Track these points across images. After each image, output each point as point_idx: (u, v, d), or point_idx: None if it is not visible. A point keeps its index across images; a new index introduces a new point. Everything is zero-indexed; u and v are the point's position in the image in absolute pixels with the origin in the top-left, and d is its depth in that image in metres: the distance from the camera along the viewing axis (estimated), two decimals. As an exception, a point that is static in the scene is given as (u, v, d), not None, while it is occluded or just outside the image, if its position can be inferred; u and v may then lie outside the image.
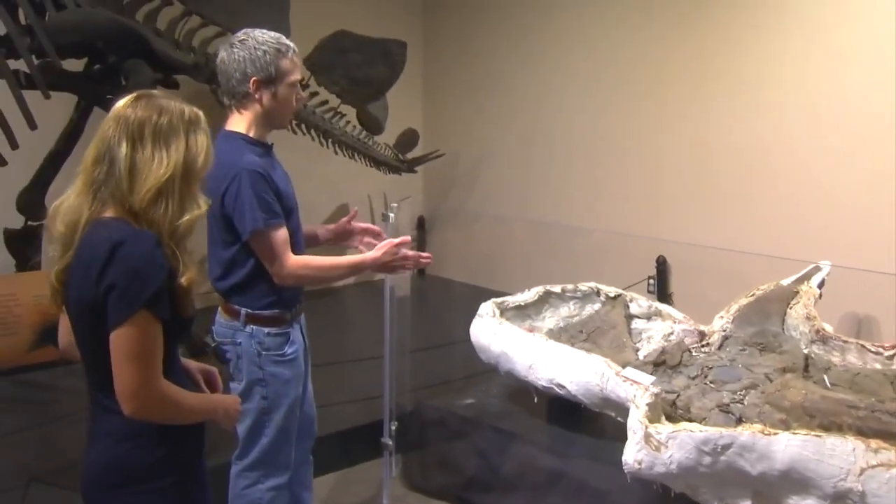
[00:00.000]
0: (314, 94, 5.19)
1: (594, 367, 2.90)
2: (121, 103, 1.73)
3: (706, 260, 5.13)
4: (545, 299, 3.73)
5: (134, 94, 1.75)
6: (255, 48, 2.40)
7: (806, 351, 3.07)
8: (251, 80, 2.41)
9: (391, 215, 2.93)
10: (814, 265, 3.64)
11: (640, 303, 3.65)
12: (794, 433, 2.27)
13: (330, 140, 5.45)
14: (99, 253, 1.63)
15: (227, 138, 2.47)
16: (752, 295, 3.40)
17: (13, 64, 3.82)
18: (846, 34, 4.47)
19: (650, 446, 2.42)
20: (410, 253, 2.59)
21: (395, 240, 2.57)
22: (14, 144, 3.80)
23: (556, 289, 3.76)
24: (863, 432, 2.33)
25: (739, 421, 2.56)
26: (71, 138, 4.38)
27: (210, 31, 4.69)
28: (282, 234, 2.42)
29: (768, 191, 4.89)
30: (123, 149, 1.67)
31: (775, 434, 2.28)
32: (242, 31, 2.47)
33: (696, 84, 5.21)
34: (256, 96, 2.44)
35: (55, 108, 4.21)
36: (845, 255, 4.23)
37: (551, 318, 3.71)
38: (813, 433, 2.26)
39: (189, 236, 1.75)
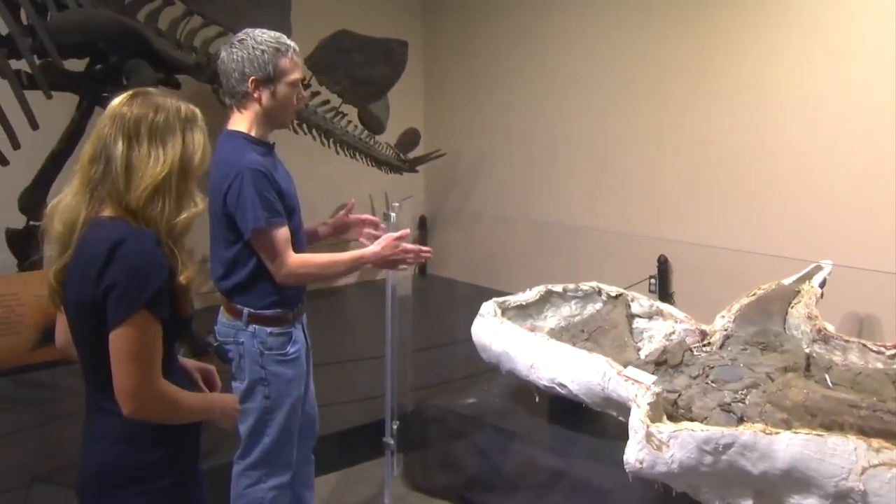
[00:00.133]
0: (315, 93, 5.19)
1: (596, 367, 2.90)
2: (117, 101, 1.72)
3: (707, 259, 5.12)
4: (546, 299, 3.73)
5: (130, 92, 1.74)
6: (253, 48, 2.41)
7: (807, 350, 3.07)
8: (249, 80, 2.42)
9: (392, 215, 2.93)
10: (815, 264, 3.64)
11: (642, 302, 3.65)
12: (795, 432, 2.27)
13: (331, 140, 5.45)
14: (98, 252, 1.62)
15: (230, 138, 2.48)
16: (754, 294, 3.39)
17: (15, 64, 3.83)
18: (846, 33, 4.47)
19: (652, 446, 2.42)
20: (410, 246, 2.56)
21: (394, 234, 2.56)
22: (16, 144, 3.81)
23: (558, 288, 3.76)
24: (864, 432, 2.33)
25: (741, 420, 2.56)
26: (73, 138, 4.39)
27: (211, 31, 4.69)
28: (283, 233, 2.42)
29: (769, 190, 4.89)
30: (120, 147, 1.66)
31: (777, 433, 2.27)
32: (243, 31, 2.48)
33: (697, 83, 5.21)
34: (255, 95, 2.44)
35: (57, 108, 4.21)
36: (847, 254, 4.23)
37: (553, 318, 3.71)
38: (814, 432, 2.25)
39: (186, 234, 1.75)
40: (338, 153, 5.59)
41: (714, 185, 5.19)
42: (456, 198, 7.16)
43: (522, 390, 3.46)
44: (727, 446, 2.32)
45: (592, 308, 3.72)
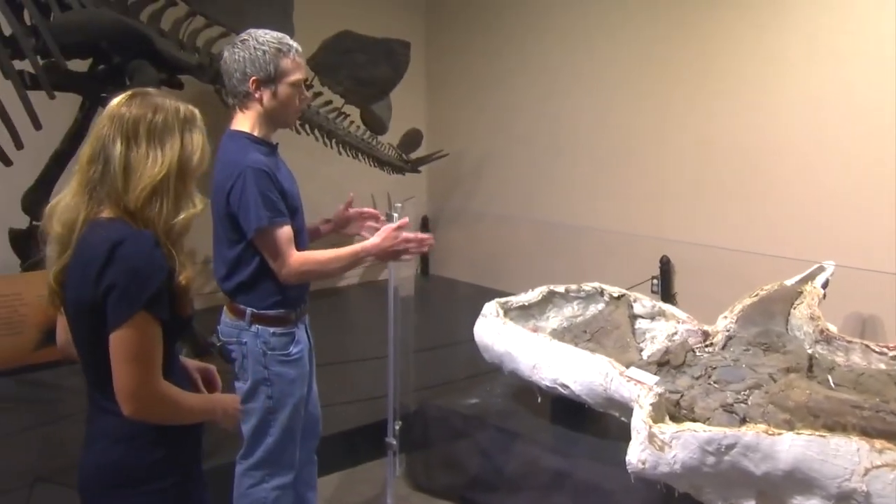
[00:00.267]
0: (318, 94, 5.20)
1: (598, 367, 2.90)
2: (115, 101, 1.72)
3: (710, 260, 5.12)
4: (549, 299, 3.73)
5: (129, 93, 1.74)
6: (255, 48, 2.42)
7: (810, 351, 3.07)
8: (250, 80, 2.42)
9: (395, 215, 2.93)
10: (818, 265, 3.63)
11: (644, 303, 3.64)
12: (798, 433, 2.26)
13: (334, 140, 5.45)
14: (98, 253, 1.62)
15: (233, 138, 2.48)
16: (756, 295, 3.39)
17: (18, 64, 3.83)
18: (850, 33, 4.46)
19: (654, 446, 2.42)
20: (411, 235, 2.54)
21: (393, 224, 2.55)
22: (19, 144, 3.82)
23: (560, 289, 3.76)
24: (867, 432, 2.33)
25: (743, 421, 2.56)
26: (76, 138, 4.39)
27: (214, 32, 4.70)
28: (286, 232, 2.42)
29: (772, 191, 4.88)
30: (118, 147, 1.65)
31: (779, 434, 2.27)
32: (246, 31, 2.48)
33: (700, 83, 5.21)
34: (256, 95, 2.45)
35: (60, 109, 4.22)
36: (849, 254, 4.23)
37: (555, 318, 3.71)
38: (817, 433, 2.25)
39: (185, 235, 1.74)
40: (340, 154, 5.59)
41: (717, 185, 5.18)
42: (458, 198, 7.17)
43: (525, 391, 3.45)
44: (730, 447, 2.31)
45: (595, 308, 3.72)
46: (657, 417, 2.50)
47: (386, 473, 3.40)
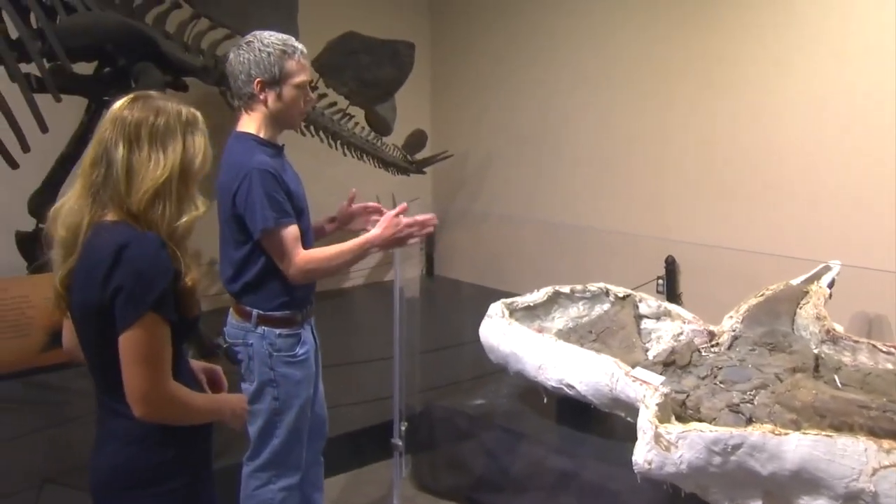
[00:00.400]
0: (323, 95, 5.21)
1: (604, 368, 2.90)
2: (117, 105, 1.72)
3: (715, 260, 5.12)
4: (554, 300, 3.73)
5: (131, 96, 1.74)
6: (260, 50, 2.42)
7: (816, 351, 3.06)
8: (255, 82, 2.43)
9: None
10: (824, 265, 3.62)
11: (650, 303, 3.64)
12: (804, 433, 2.26)
13: (338, 141, 5.46)
14: (104, 256, 1.63)
15: (238, 139, 2.49)
16: (762, 295, 3.38)
17: (24, 67, 3.85)
18: (853, 32, 4.45)
19: (660, 446, 2.42)
20: (411, 220, 2.54)
21: (392, 212, 2.55)
22: (25, 147, 3.83)
23: (565, 289, 3.76)
24: (874, 432, 2.32)
25: (749, 421, 2.55)
26: (81, 141, 4.40)
27: (219, 34, 4.71)
28: (292, 232, 2.43)
29: (777, 190, 4.87)
30: (120, 150, 1.66)
31: (786, 434, 2.27)
32: (251, 33, 2.49)
33: (704, 83, 5.20)
34: (261, 97, 2.45)
35: (66, 112, 4.23)
36: (855, 254, 4.22)
37: (560, 319, 3.71)
38: (824, 433, 2.24)
39: (188, 237, 1.75)
40: (345, 155, 5.61)
41: (721, 185, 5.17)
42: (463, 199, 7.17)
43: (530, 391, 3.46)
44: (736, 447, 2.31)
45: (600, 309, 3.72)
46: (663, 418, 2.50)
47: (392, 474, 3.40)
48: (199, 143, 1.75)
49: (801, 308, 3.29)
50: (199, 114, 1.78)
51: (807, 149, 4.71)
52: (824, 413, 2.48)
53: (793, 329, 3.22)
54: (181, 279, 1.69)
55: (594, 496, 2.95)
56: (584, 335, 3.48)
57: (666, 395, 2.59)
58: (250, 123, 2.49)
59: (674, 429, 2.42)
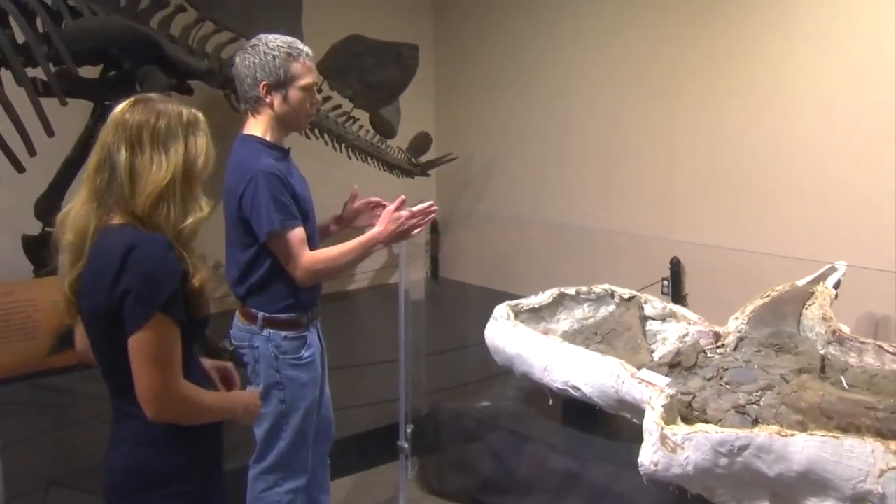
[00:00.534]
0: (327, 98, 5.21)
1: (609, 369, 2.90)
2: (119, 108, 1.73)
3: (721, 261, 5.10)
4: (559, 301, 3.73)
5: (132, 99, 1.75)
6: (265, 53, 2.43)
7: (822, 352, 3.05)
8: (261, 85, 2.43)
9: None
10: (829, 265, 3.62)
11: (655, 304, 3.64)
12: (811, 434, 2.25)
13: (343, 144, 5.47)
14: (112, 259, 1.63)
15: (244, 142, 2.50)
16: (768, 296, 3.38)
17: (31, 72, 3.86)
18: (860, 32, 4.44)
19: (666, 448, 2.42)
20: (407, 212, 2.54)
21: (391, 206, 2.55)
22: (32, 151, 3.84)
23: (571, 291, 3.76)
24: (881, 434, 2.31)
25: (756, 422, 2.55)
26: (87, 145, 4.41)
27: (223, 37, 4.72)
28: (298, 234, 2.43)
29: (783, 191, 4.86)
30: (123, 154, 1.67)
31: (792, 435, 2.26)
32: (257, 36, 2.50)
33: (711, 83, 5.19)
34: (267, 100, 2.46)
35: (72, 115, 4.25)
36: (861, 255, 4.20)
37: (566, 321, 3.71)
38: (831, 434, 2.24)
39: (194, 238, 1.75)
40: (350, 157, 5.61)
41: (727, 185, 5.16)
42: (468, 200, 7.17)
43: (536, 393, 3.45)
44: (742, 448, 2.31)
45: (605, 310, 3.71)
46: (669, 419, 2.50)
47: (398, 477, 3.41)
48: (201, 143, 1.76)
49: (806, 309, 3.29)
50: (200, 115, 1.79)
51: (813, 149, 4.70)
52: (831, 414, 2.47)
53: (799, 330, 3.21)
54: (189, 280, 1.70)
55: (600, 498, 2.95)
56: (590, 337, 3.48)
57: (672, 396, 2.58)
58: (256, 126, 2.50)
59: (680, 430, 2.42)
